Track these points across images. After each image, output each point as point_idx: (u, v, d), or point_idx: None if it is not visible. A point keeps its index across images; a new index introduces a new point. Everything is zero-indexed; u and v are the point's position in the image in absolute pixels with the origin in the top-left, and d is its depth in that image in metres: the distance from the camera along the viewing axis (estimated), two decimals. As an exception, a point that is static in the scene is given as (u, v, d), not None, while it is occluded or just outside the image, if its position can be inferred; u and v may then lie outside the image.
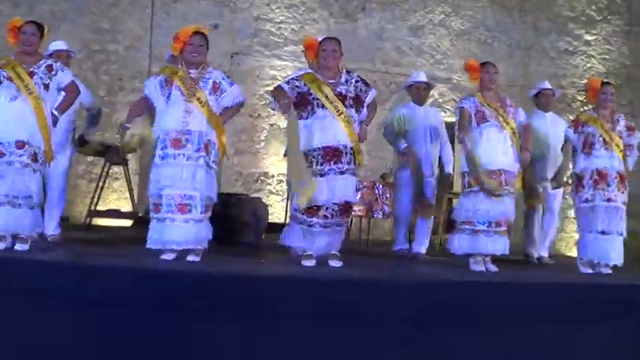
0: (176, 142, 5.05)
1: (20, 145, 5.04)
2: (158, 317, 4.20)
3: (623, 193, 6.11)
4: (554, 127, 7.12)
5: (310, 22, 10.76)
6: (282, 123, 6.66)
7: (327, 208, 5.28)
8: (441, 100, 10.88)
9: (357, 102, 5.42)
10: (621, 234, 6.11)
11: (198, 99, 5.11)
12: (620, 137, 6.19)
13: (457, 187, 8.10)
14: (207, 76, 5.24)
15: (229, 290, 4.36)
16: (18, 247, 5.04)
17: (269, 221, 8.04)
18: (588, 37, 11.89)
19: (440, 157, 7.09)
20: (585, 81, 8.91)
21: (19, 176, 5.02)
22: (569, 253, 9.77)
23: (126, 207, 9.07)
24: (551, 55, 11.72)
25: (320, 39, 5.68)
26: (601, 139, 6.12)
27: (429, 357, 4.51)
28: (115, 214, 8.74)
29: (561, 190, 7.28)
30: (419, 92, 7.07)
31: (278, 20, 10.67)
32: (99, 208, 8.25)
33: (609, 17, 11.99)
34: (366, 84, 5.57)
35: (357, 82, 5.50)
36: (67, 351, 4.12)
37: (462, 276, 5.36)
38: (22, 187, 5.03)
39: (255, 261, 5.76)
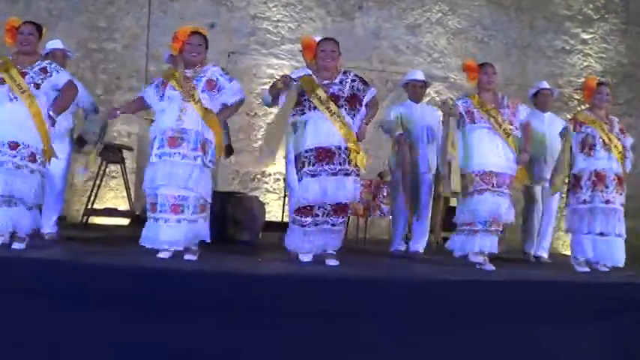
0: (172, 140, 5.06)
1: (13, 145, 5.04)
2: (156, 316, 4.20)
3: (621, 195, 6.13)
4: (551, 128, 7.12)
5: (307, 21, 10.75)
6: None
7: (319, 208, 5.32)
8: (437, 99, 10.87)
9: (354, 102, 5.42)
10: (620, 235, 6.11)
11: (192, 97, 5.12)
12: (618, 139, 6.20)
13: (454, 185, 8.13)
14: (202, 74, 5.24)
15: (226, 289, 4.36)
16: (15, 245, 5.05)
17: (266, 220, 8.04)
18: (585, 36, 11.89)
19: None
20: (582, 80, 8.91)
21: (11, 177, 5.01)
22: (566, 252, 9.76)
23: (123, 205, 9.06)
24: (548, 54, 11.72)
25: (318, 39, 5.69)
26: (601, 140, 6.12)
27: (427, 356, 4.51)
28: (112, 212, 8.72)
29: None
30: (415, 90, 7.07)
31: (275, 19, 10.66)
32: (96, 206, 8.24)
33: (606, 16, 12.00)
34: (365, 83, 5.57)
35: (353, 81, 5.50)
36: (64, 349, 4.12)
37: (459, 275, 5.36)
38: (15, 187, 5.02)
39: (251, 259, 5.75)
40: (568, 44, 11.83)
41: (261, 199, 8.48)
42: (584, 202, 6.11)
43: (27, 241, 5.12)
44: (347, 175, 5.32)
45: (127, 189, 8.33)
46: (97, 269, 4.47)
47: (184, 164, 5.04)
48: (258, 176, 10.34)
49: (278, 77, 5.63)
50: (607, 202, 6.06)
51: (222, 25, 10.30)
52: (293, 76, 5.53)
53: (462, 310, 4.65)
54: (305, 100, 5.36)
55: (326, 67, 5.48)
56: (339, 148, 5.30)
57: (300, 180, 5.41)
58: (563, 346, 4.80)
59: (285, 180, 6.96)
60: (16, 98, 5.08)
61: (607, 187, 6.07)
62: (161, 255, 5.02)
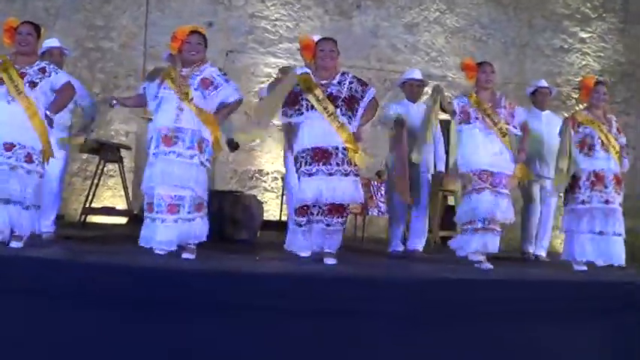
0: (167, 139, 5.06)
1: (8, 147, 5.04)
2: (153, 315, 4.19)
3: (619, 194, 6.14)
4: (549, 126, 7.13)
5: (305, 20, 10.76)
6: (277, 120, 6.64)
7: (314, 207, 5.32)
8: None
9: (351, 103, 5.41)
10: (620, 234, 6.11)
11: (186, 95, 5.11)
12: (616, 139, 6.21)
13: (452, 184, 8.13)
14: (197, 73, 5.24)
15: (224, 288, 4.36)
16: (13, 244, 5.05)
17: (264, 219, 8.04)
18: (583, 35, 11.90)
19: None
20: (580, 79, 8.91)
21: (5, 177, 5.01)
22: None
23: (120, 204, 9.06)
24: (547, 53, 11.72)
25: (317, 39, 5.68)
26: (599, 140, 6.12)
27: (426, 355, 4.50)
28: (110, 211, 8.72)
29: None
30: (412, 89, 7.06)
31: (273, 18, 10.66)
32: (94, 205, 8.24)
33: (604, 15, 12.00)
34: (363, 84, 5.55)
35: (351, 82, 5.49)
36: (62, 349, 4.11)
37: (458, 274, 5.36)
38: (11, 188, 5.01)
39: (250, 258, 5.74)
40: (566, 43, 11.83)
41: (259, 197, 8.47)
42: (583, 202, 6.11)
43: (25, 240, 5.11)
44: (345, 175, 5.30)
45: (125, 188, 8.33)
46: (95, 268, 4.47)
47: (179, 163, 5.04)
48: (256, 175, 10.34)
49: (277, 76, 5.64)
50: (606, 202, 6.06)
51: (219, 23, 10.31)
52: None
53: (461, 310, 4.64)
54: (302, 99, 5.36)
55: (325, 66, 5.48)
56: (337, 148, 5.29)
57: (298, 179, 5.41)
58: (563, 346, 4.79)
59: (283, 179, 6.95)
60: (13, 99, 5.08)
61: (606, 187, 6.07)
62: (158, 250, 5.03)
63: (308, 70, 5.53)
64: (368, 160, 5.50)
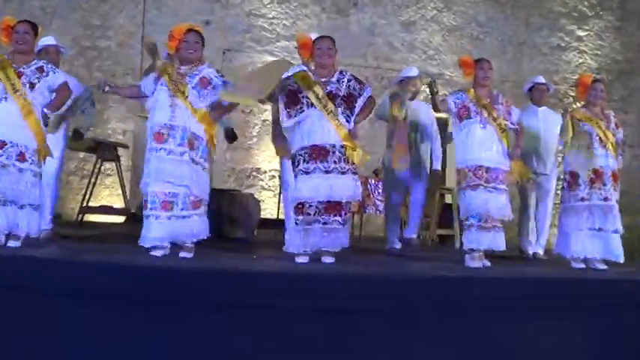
0: (158, 136, 5.06)
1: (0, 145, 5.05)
2: (151, 313, 4.19)
3: (616, 191, 6.14)
4: (546, 122, 7.15)
5: (302, 18, 10.76)
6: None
7: (310, 206, 5.26)
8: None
9: (350, 100, 5.40)
10: (617, 231, 6.12)
11: (182, 93, 5.11)
12: (614, 134, 6.21)
13: (450, 182, 8.15)
14: (196, 72, 5.24)
15: (222, 286, 4.36)
16: (10, 243, 5.06)
17: (261, 217, 8.04)
18: (580, 33, 11.91)
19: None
20: (577, 77, 8.92)
21: None
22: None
23: (118, 203, 9.07)
24: (544, 51, 11.74)
25: (314, 37, 5.68)
26: (597, 138, 6.12)
27: (423, 352, 4.51)
28: (107, 210, 8.73)
29: (554, 186, 7.30)
30: (410, 87, 7.04)
31: (270, 16, 10.67)
32: (91, 204, 8.25)
33: (601, 13, 12.01)
34: (361, 82, 5.54)
35: (349, 81, 5.47)
36: (60, 348, 4.11)
37: (455, 271, 5.36)
38: (2, 187, 5.01)
39: (247, 257, 5.74)
40: (563, 41, 11.85)
41: (256, 196, 8.49)
42: (582, 199, 6.10)
43: (22, 239, 5.11)
44: (342, 173, 5.29)
45: (122, 187, 8.33)
46: (92, 267, 4.46)
47: (170, 160, 5.03)
48: (254, 173, 10.34)
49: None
50: (605, 199, 6.06)
51: (217, 22, 10.31)
52: (286, 75, 5.51)
53: (458, 307, 4.65)
54: (303, 97, 5.35)
55: (323, 64, 5.47)
56: (334, 146, 5.27)
57: (295, 177, 5.39)
58: (561, 343, 4.80)
59: (280, 177, 6.96)
60: (8, 98, 5.07)
61: (605, 184, 6.06)
62: (154, 253, 5.01)
63: (305, 68, 5.53)
64: (366, 158, 5.47)
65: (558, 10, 11.86)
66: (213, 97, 5.25)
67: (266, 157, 10.21)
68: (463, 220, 5.86)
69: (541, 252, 7.35)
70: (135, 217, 6.96)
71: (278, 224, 7.76)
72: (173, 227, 5.04)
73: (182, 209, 5.07)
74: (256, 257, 5.81)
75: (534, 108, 7.29)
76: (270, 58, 10.37)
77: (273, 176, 10.13)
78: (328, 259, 5.29)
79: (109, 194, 9.60)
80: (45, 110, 5.23)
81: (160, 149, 5.03)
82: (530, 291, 5.01)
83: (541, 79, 7.50)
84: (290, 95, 5.38)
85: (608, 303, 5.08)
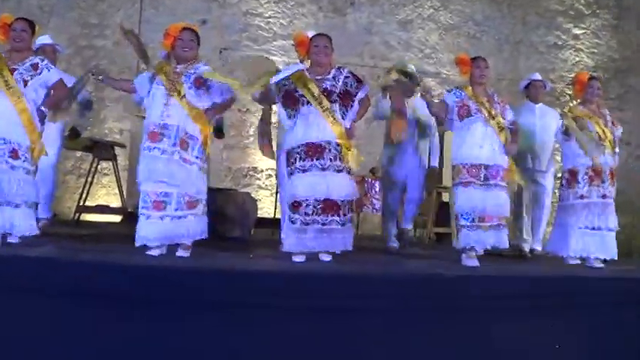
0: (153, 135, 5.04)
1: None
2: (148, 313, 4.19)
3: (613, 187, 6.16)
4: (543, 119, 7.16)
5: (299, 17, 10.76)
6: (274, 117, 6.65)
7: (307, 205, 5.22)
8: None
9: (346, 97, 5.38)
10: (613, 229, 6.14)
11: (178, 92, 5.10)
12: (612, 132, 6.22)
13: (446, 180, 8.15)
14: (192, 71, 5.23)
15: (218, 286, 4.36)
16: (10, 239, 5.09)
17: (258, 216, 8.04)
18: (577, 32, 11.92)
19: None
20: (574, 75, 8.94)
21: None
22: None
23: (115, 202, 9.06)
24: (540, 50, 11.74)
25: (311, 35, 5.67)
26: (597, 135, 6.13)
27: (420, 351, 4.51)
28: (104, 209, 8.72)
29: (551, 184, 7.30)
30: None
31: (267, 15, 10.67)
32: (88, 203, 8.23)
33: (598, 11, 12.02)
34: (358, 80, 5.52)
35: (346, 77, 5.46)
36: (56, 347, 4.11)
37: (452, 270, 5.36)
38: None
39: (244, 256, 5.74)
40: (560, 40, 11.86)
41: (253, 195, 8.47)
42: (582, 197, 6.12)
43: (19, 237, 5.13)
44: (339, 171, 5.28)
45: (119, 186, 8.32)
46: (89, 267, 4.45)
47: (164, 159, 5.01)
48: (251, 172, 10.34)
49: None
50: (603, 196, 6.09)
51: (213, 21, 10.31)
52: (283, 75, 5.49)
53: (456, 306, 4.65)
54: (299, 96, 5.34)
55: (319, 62, 5.46)
56: (330, 143, 5.25)
57: (291, 175, 5.36)
58: (558, 341, 4.80)
59: (277, 176, 6.95)
60: (1, 94, 5.07)
61: (603, 181, 6.09)
62: (150, 252, 5.00)
63: (302, 67, 5.53)
64: (360, 159, 5.45)
65: (555, 8, 11.87)
66: (209, 97, 5.25)
67: (263, 156, 10.14)
68: (453, 218, 5.83)
69: (539, 248, 7.33)
70: (131, 217, 6.94)
71: (275, 223, 7.78)
72: (167, 227, 5.02)
73: (177, 209, 5.05)
74: (253, 256, 5.81)
75: (531, 105, 7.29)
76: (267, 57, 10.39)
77: (270, 175, 10.12)
78: (326, 257, 5.28)
79: (106, 193, 9.60)
80: (42, 109, 5.23)
81: (154, 148, 5.01)
82: (527, 289, 5.01)
83: (538, 76, 7.51)
84: (287, 96, 5.37)
85: (605, 301, 5.08)
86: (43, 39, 6.33)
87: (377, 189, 8.46)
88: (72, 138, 6.76)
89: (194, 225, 5.13)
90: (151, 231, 4.99)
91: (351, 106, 5.40)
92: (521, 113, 6.76)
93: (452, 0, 11.49)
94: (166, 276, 4.40)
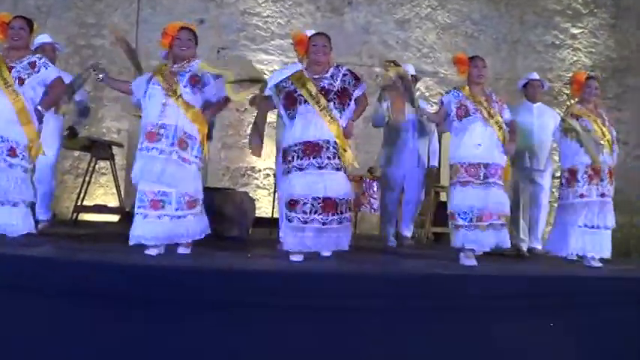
0: (151, 135, 5.06)
1: None
2: (146, 312, 4.18)
3: (611, 186, 6.18)
4: (540, 119, 7.16)
5: (297, 17, 10.75)
6: (270, 117, 6.65)
7: (304, 204, 5.19)
8: (427, 94, 10.89)
9: (344, 95, 5.37)
10: (609, 228, 6.15)
11: (174, 92, 5.10)
12: (610, 132, 6.24)
13: (444, 179, 8.15)
14: (188, 69, 5.24)
15: (217, 285, 4.35)
16: (9, 236, 5.08)
17: (256, 215, 8.03)
18: (575, 31, 11.91)
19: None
20: (571, 74, 8.93)
21: None
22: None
23: (113, 202, 9.06)
24: (538, 49, 11.73)
25: (309, 34, 5.67)
26: (595, 135, 6.14)
27: (418, 350, 4.51)
28: (102, 209, 8.71)
29: (549, 183, 7.31)
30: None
31: (265, 14, 10.66)
32: (85, 203, 8.22)
33: (595, 10, 12.02)
34: (356, 78, 5.51)
35: (344, 75, 5.45)
36: (54, 347, 4.10)
37: (450, 269, 5.36)
38: None
39: (242, 255, 5.74)
40: (558, 39, 11.85)
41: (251, 194, 8.46)
42: (582, 195, 6.12)
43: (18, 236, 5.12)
44: (337, 169, 5.27)
45: (117, 186, 8.31)
46: (87, 266, 4.46)
47: (161, 159, 5.02)
48: (249, 172, 10.34)
49: (255, 94, 5.67)
50: (602, 195, 6.10)
51: (211, 21, 10.30)
52: (283, 76, 5.48)
53: (454, 305, 4.64)
54: (298, 95, 5.34)
55: (317, 61, 5.46)
56: (327, 142, 5.23)
57: (288, 173, 5.34)
58: (556, 341, 4.80)
59: (275, 176, 6.96)
60: (0, 92, 5.06)
61: (602, 180, 6.11)
62: (148, 251, 5.00)
63: (300, 67, 5.53)
64: (356, 159, 5.44)
65: (552, 7, 11.86)
66: (206, 96, 5.26)
67: (262, 156, 10.19)
68: (450, 217, 5.82)
69: (539, 247, 7.32)
70: (129, 216, 6.94)
71: (273, 223, 7.76)
72: (165, 227, 5.03)
73: (177, 209, 5.06)
74: (251, 256, 5.80)
75: (529, 104, 7.30)
76: (264, 57, 10.41)
77: (268, 175, 10.12)
78: (326, 252, 5.30)
79: (104, 193, 9.59)
80: (39, 108, 5.22)
81: (152, 148, 5.02)
82: (526, 289, 5.02)
83: (535, 76, 7.51)
84: (288, 97, 5.37)
85: (604, 301, 5.08)
86: (43, 38, 6.34)
87: (375, 188, 8.44)
88: (69, 137, 6.76)
89: (194, 224, 5.15)
90: (148, 230, 4.99)
91: (348, 104, 5.39)
92: (519, 112, 6.78)
93: (449, -1, 11.50)
94: (164, 275, 4.40)
